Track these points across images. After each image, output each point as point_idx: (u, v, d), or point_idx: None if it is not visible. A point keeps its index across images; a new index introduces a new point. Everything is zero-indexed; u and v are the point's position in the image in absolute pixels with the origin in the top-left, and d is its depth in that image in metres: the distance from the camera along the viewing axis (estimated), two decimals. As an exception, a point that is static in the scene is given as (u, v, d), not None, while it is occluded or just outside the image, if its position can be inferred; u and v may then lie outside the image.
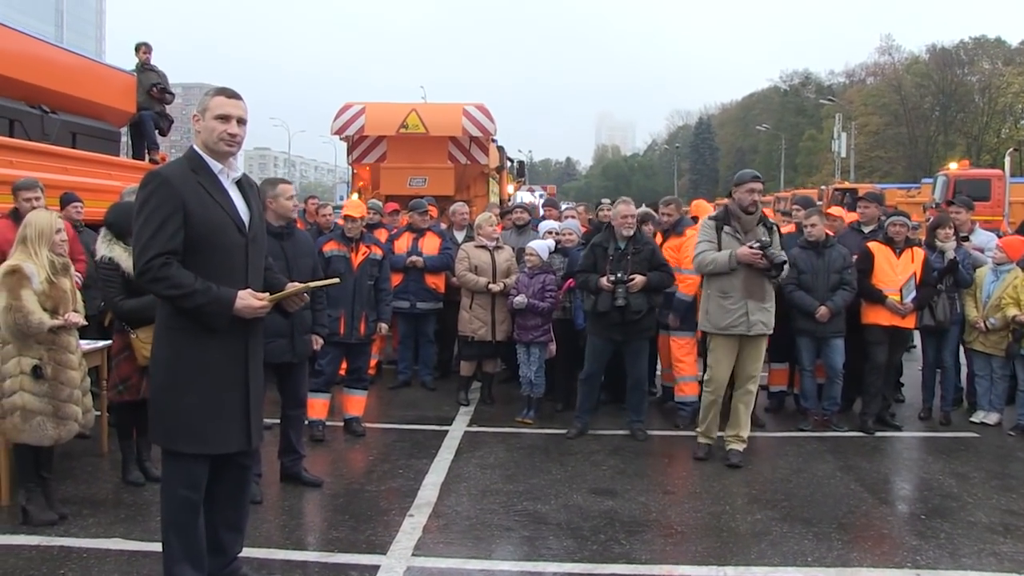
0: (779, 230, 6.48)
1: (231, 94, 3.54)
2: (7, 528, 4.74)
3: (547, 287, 7.31)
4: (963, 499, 5.53)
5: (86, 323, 5.05)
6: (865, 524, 5.11)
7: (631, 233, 6.75)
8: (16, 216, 6.00)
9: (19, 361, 4.62)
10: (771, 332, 6.26)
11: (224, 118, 3.48)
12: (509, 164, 18.26)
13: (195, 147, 3.54)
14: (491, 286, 7.63)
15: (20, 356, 4.63)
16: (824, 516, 5.17)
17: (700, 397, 6.70)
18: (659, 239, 7.40)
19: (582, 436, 6.86)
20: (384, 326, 7.07)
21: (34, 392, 4.61)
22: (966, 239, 7.88)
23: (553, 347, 7.54)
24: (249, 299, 3.47)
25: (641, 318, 6.67)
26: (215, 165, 3.51)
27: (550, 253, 7.63)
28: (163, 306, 3.49)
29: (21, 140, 7.99)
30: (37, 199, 6.22)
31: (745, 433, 6.32)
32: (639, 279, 6.57)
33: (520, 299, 7.30)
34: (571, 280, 7.34)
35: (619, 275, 6.58)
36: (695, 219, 7.73)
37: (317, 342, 5.86)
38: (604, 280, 6.62)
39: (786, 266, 6.15)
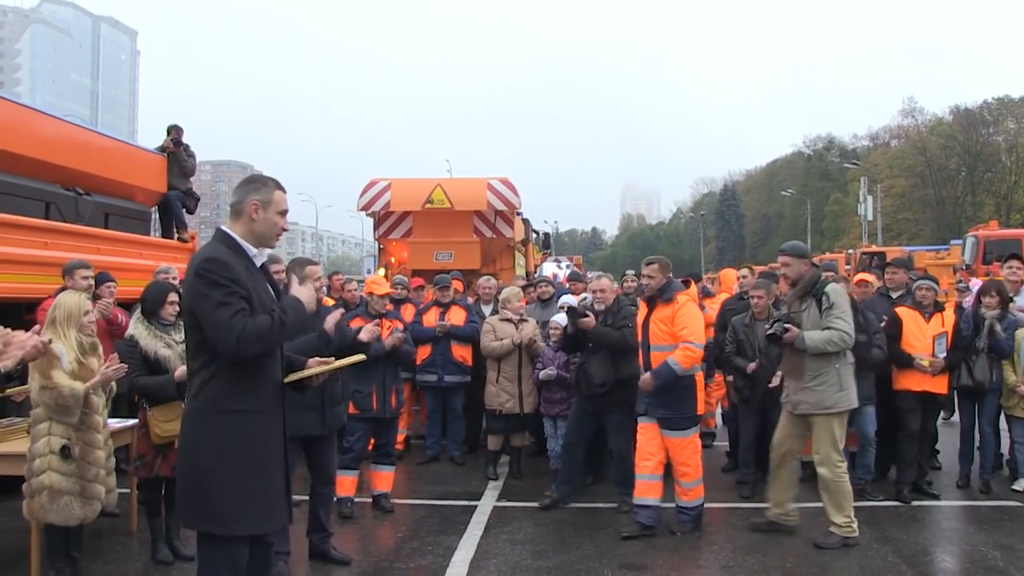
0: (825, 299, 5.85)
1: (284, 189, 3.68)
2: (36, 610, 4.74)
3: (572, 359, 7.29)
4: (1010, 573, 5.35)
5: (121, 368, 5.08)
6: (907, 598, 4.97)
7: (603, 307, 6.78)
8: None
9: (48, 441, 4.69)
10: (821, 412, 5.86)
11: (284, 213, 3.64)
12: (535, 236, 18.41)
13: (228, 231, 3.55)
14: (514, 339, 7.71)
15: (50, 436, 4.70)
16: (863, 590, 5.04)
17: (702, 501, 6.22)
18: (644, 310, 6.36)
19: (555, 507, 6.80)
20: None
21: (62, 472, 4.67)
22: (1011, 300, 7.74)
23: None
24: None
25: (607, 391, 6.60)
26: (251, 249, 3.56)
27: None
28: (214, 387, 3.42)
29: (56, 222, 8.20)
30: (91, 277, 6.71)
31: (835, 516, 5.85)
32: (586, 320, 6.57)
33: (548, 371, 7.30)
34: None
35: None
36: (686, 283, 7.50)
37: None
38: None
39: (783, 334, 5.86)
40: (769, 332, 5.98)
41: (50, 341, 4.54)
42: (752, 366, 7.13)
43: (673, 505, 6.22)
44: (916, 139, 68.61)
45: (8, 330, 2.84)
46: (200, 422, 3.45)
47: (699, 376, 6.27)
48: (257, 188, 3.56)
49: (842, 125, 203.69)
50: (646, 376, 6.09)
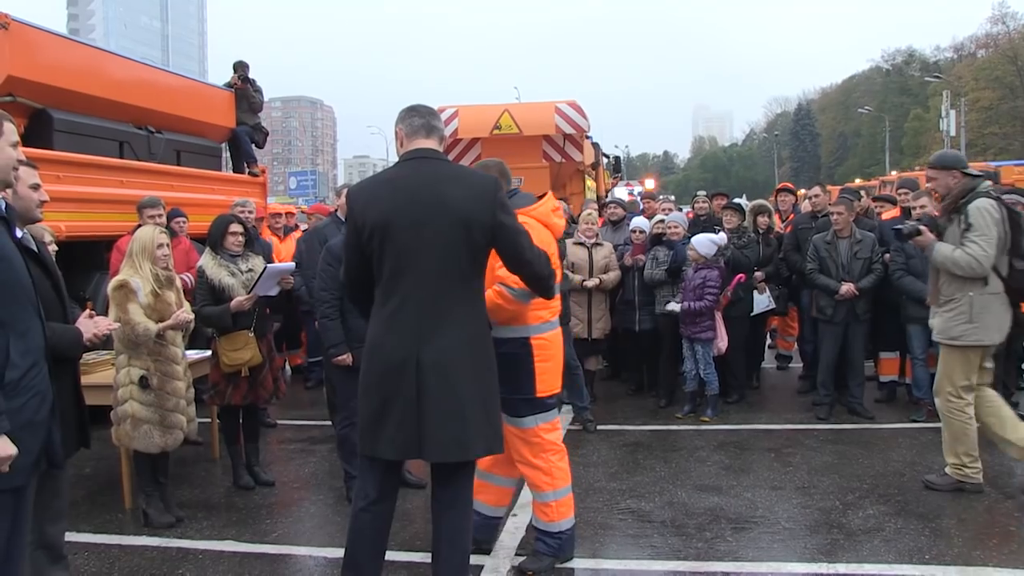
0: (964, 219, 5.09)
1: None
2: (131, 530, 4.99)
3: (708, 283, 7.10)
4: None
5: (190, 318, 5.12)
6: (988, 520, 4.84)
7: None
8: None
9: (129, 372, 4.84)
10: (945, 341, 5.23)
11: None
12: (605, 160, 18.15)
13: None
14: (585, 283, 7.58)
15: (130, 367, 4.85)
16: (942, 511, 4.95)
17: (572, 523, 4.36)
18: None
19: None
20: None
21: (142, 401, 4.82)
22: None
23: (723, 344, 7.27)
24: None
25: None
26: None
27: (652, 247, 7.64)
28: (482, 307, 3.52)
29: (129, 160, 8.38)
30: (160, 216, 6.68)
31: (946, 455, 5.38)
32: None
33: (673, 306, 7.26)
34: (741, 276, 7.30)
35: None
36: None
37: None
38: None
39: (912, 233, 5.28)
40: (898, 227, 5.39)
41: (117, 320, 4.67)
42: (846, 287, 6.93)
43: (749, 427, 6.14)
44: (1007, 47, 64.78)
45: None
46: (487, 344, 3.49)
47: (542, 343, 4.16)
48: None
49: (924, 37, 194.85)
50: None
